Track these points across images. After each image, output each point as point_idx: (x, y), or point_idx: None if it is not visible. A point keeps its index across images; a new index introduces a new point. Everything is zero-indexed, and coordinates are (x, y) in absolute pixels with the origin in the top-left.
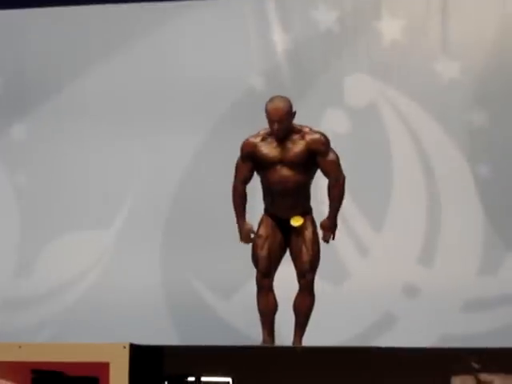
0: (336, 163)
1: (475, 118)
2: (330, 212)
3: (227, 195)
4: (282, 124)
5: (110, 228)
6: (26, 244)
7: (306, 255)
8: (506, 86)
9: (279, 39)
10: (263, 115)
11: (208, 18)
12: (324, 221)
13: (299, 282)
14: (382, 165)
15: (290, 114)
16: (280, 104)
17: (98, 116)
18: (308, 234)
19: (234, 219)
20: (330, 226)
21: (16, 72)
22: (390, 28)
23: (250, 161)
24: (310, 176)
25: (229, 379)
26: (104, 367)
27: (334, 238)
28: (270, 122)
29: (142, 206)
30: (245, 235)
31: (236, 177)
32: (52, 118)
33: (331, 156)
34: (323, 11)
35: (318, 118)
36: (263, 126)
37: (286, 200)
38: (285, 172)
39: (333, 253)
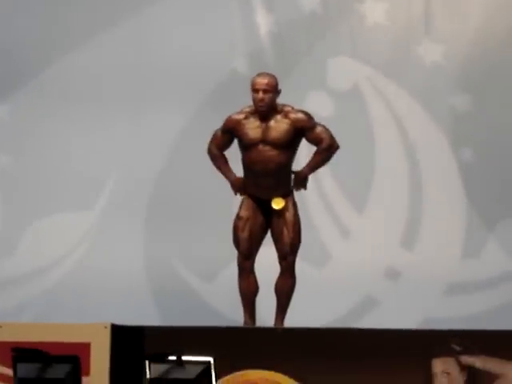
0: (328, 132)
1: (459, 103)
2: (310, 164)
3: (210, 178)
4: (267, 94)
5: (92, 210)
6: (7, 225)
7: (287, 237)
8: (489, 70)
9: (263, 21)
10: (247, 97)
11: (192, 0)
12: (300, 171)
13: (280, 263)
14: (365, 148)
15: (276, 88)
16: (266, 76)
17: (81, 97)
18: (289, 215)
19: (217, 202)
20: (305, 177)
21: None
22: (374, 11)
23: (230, 135)
24: (292, 157)
25: (210, 358)
26: (85, 347)
27: (305, 188)
28: (255, 91)
29: (124, 188)
30: (237, 186)
31: (211, 142)
32: (35, 99)
33: (320, 127)
34: None
35: (301, 101)
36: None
37: (267, 180)
38: (267, 152)
39: (315, 235)
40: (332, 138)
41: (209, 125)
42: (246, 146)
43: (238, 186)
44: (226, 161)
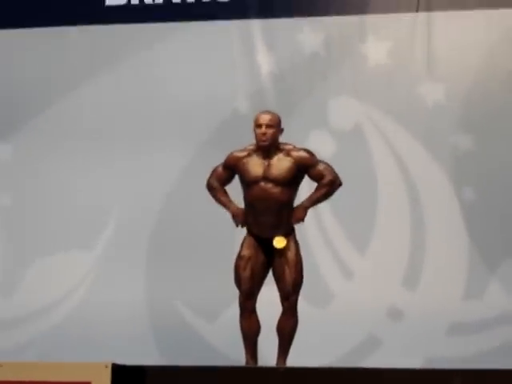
0: (331, 168)
1: (460, 142)
2: (310, 198)
3: (211, 217)
4: (270, 129)
5: (94, 249)
6: (9, 265)
7: (289, 277)
8: (490, 109)
9: (264, 61)
10: (248, 137)
11: (194, 39)
12: (300, 204)
13: (282, 303)
14: (367, 188)
15: (279, 124)
16: (270, 113)
17: (81, 136)
18: (291, 255)
19: (219, 241)
20: (304, 210)
21: (1, 92)
22: (375, 51)
23: (231, 172)
24: (293, 195)
25: None
26: None
27: (303, 221)
28: (258, 126)
29: (126, 227)
30: (239, 216)
31: (211, 176)
32: (37, 139)
33: (323, 164)
34: (308, 34)
35: (303, 141)
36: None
37: (269, 218)
38: (268, 189)
39: (317, 275)
40: (335, 173)
41: (210, 164)
42: (248, 184)
43: (239, 217)
44: (226, 192)
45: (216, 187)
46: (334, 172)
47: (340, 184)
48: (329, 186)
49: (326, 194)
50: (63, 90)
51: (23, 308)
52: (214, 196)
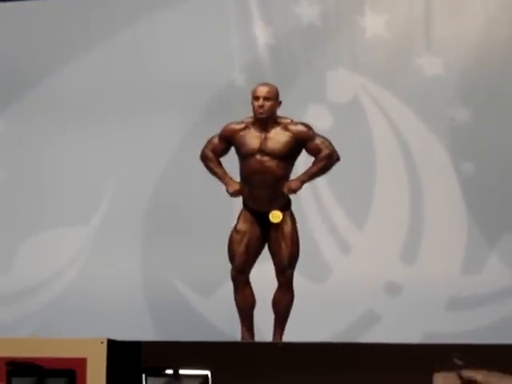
0: (329, 142)
1: (458, 115)
2: (307, 171)
3: (209, 191)
4: (267, 101)
5: (89, 224)
6: (3, 240)
7: (285, 251)
8: (489, 82)
9: (260, 33)
10: (244, 109)
11: (189, 11)
12: (296, 177)
13: (278, 278)
14: (365, 161)
15: (277, 97)
16: (268, 85)
17: (77, 109)
18: (287, 229)
19: (215, 216)
20: (299, 182)
21: None
22: (373, 23)
23: (227, 144)
24: (290, 169)
25: (207, 372)
26: (81, 362)
27: (295, 193)
28: (256, 99)
29: (121, 201)
30: (233, 188)
31: (206, 146)
32: (31, 112)
33: (321, 138)
34: (305, 5)
35: (300, 114)
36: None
37: (264, 192)
38: (264, 162)
39: (315, 249)
40: (332, 148)
41: (206, 136)
42: (244, 156)
43: (234, 188)
44: (221, 164)
45: (211, 158)
46: (332, 146)
47: (337, 159)
48: (326, 159)
49: (322, 169)
50: (56, 63)
51: (18, 283)
52: (209, 167)
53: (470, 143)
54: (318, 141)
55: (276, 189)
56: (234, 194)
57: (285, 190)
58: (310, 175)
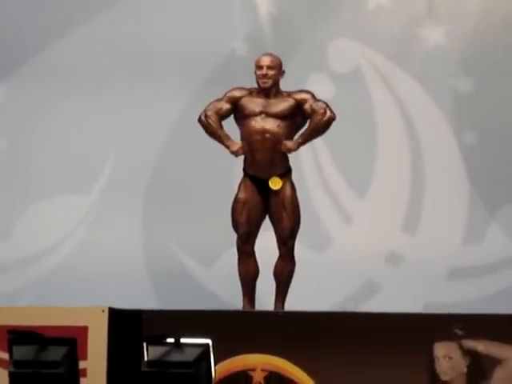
0: (324, 103)
1: (460, 85)
2: (303, 133)
3: (210, 161)
4: (271, 70)
5: (90, 193)
6: (5, 208)
7: (286, 221)
8: (491, 52)
9: (262, 2)
10: (246, 79)
11: None
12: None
13: (279, 248)
14: (366, 131)
15: (280, 66)
16: (271, 55)
17: (78, 78)
18: (288, 198)
19: (217, 184)
20: (296, 143)
21: None
22: None
23: (231, 105)
24: (291, 133)
25: (208, 341)
26: (82, 331)
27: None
28: (259, 68)
29: (123, 170)
30: (236, 147)
31: (209, 108)
32: (32, 81)
33: (318, 101)
34: None
35: (302, 83)
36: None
37: (266, 154)
38: (266, 123)
39: (316, 219)
40: (326, 106)
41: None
42: (247, 117)
43: (236, 147)
44: (222, 127)
45: (214, 119)
46: (327, 105)
47: (331, 117)
48: (320, 116)
49: (316, 129)
50: (57, 32)
51: (19, 252)
52: (210, 128)
53: (472, 113)
54: (313, 103)
55: (276, 152)
56: (237, 153)
57: (282, 148)
58: (306, 136)
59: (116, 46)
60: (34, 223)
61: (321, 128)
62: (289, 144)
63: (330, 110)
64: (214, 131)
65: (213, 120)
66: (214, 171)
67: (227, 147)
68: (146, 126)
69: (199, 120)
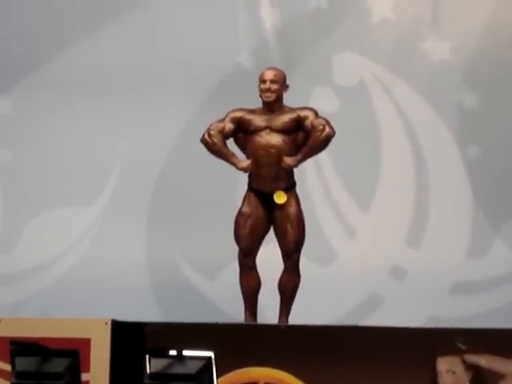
0: (325, 119)
1: (465, 99)
2: (302, 150)
3: (214, 174)
4: (274, 84)
5: (94, 205)
6: (8, 220)
7: (291, 234)
8: (496, 66)
9: (267, 15)
10: (250, 92)
11: None
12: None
13: (284, 261)
14: (371, 145)
15: (284, 81)
16: (275, 69)
17: (83, 91)
18: (292, 211)
19: (220, 198)
20: (295, 160)
21: (0, 45)
22: (380, 6)
23: (235, 124)
24: (295, 148)
25: (211, 353)
26: (85, 343)
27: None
28: (263, 82)
29: (127, 182)
30: (244, 164)
31: (213, 128)
32: (37, 92)
33: (319, 118)
34: None
35: (306, 97)
36: (251, 102)
37: (270, 170)
38: (271, 138)
39: (320, 233)
40: (326, 122)
41: (212, 119)
42: (251, 133)
43: (245, 163)
44: (226, 145)
45: (219, 139)
46: (327, 122)
47: (330, 133)
48: (319, 132)
49: (316, 143)
50: (63, 44)
51: (23, 263)
52: (214, 147)
53: (477, 127)
54: (314, 120)
55: (281, 168)
56: (246, 169)
57: (283, 164)
58: (305, 153)
59: (121, 58)
60: (37, 235)
61: (319, 144)
62: (288, 160)
63: (330, 126)
64: (218, 149)
65: (217, 139)
66: (218, 184)
67: (234, 164)
68: (150, 139)
69: (202, 140)
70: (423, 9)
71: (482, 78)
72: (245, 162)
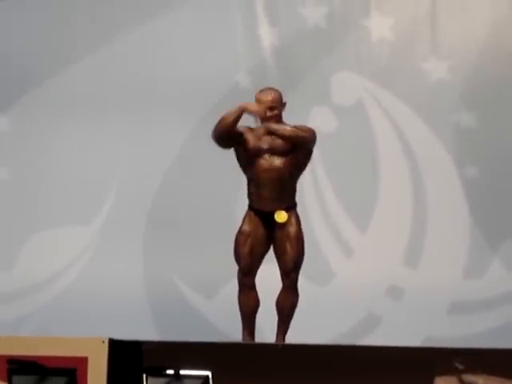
0: (314, 133)
1: (463, 119)
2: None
3: (212, 192)
4: (273, 110)
5: (92, 224)
6: (8, 238)
7: (290, 253)
8: (493, 86)
9: (266, 35)
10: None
11: (194, 12)
12: None
13: (283, 280)
14: (369, 164)
15: (281, 101)
16: (270, 92)
17: (82, 109)
18: (293, 230)
19: (219, 216)
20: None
21: None
22: (379, 26)
23: (238, 135)
24: (298, 170)
25: (208, 373)
26: (82, 361)
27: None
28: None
29: (124, 201)
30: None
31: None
32: (35, 110)
33: (310, 131)
34: (311, 7)
35: (305, 116)
36: (248, 122)
37: (272, 191)
38: (273, 161)
39: (318, 252)
40: (312, 132)
41: (211, 140)
42: (252, 154)
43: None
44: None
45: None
46: (314, 133)
47: (305, 136)
48: (301, 130)
49: (292, 131)
50: (61, 62)
51: (21, 282)
52: (227, 114)
53: (474, 147)
54: (307, 129)
55: (282, 188)
56: (259, 112)
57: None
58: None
59: (120, 77)
60: (35, 253)
61: (292, 134)
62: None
63: (313, 134)
64: (229, 112)
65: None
66: (216, 202)
67: (245, 109)
68: (148, 157)
69: (214, 130)
70: (422, 29)
71: (479, 97)
72: (253, 104)
